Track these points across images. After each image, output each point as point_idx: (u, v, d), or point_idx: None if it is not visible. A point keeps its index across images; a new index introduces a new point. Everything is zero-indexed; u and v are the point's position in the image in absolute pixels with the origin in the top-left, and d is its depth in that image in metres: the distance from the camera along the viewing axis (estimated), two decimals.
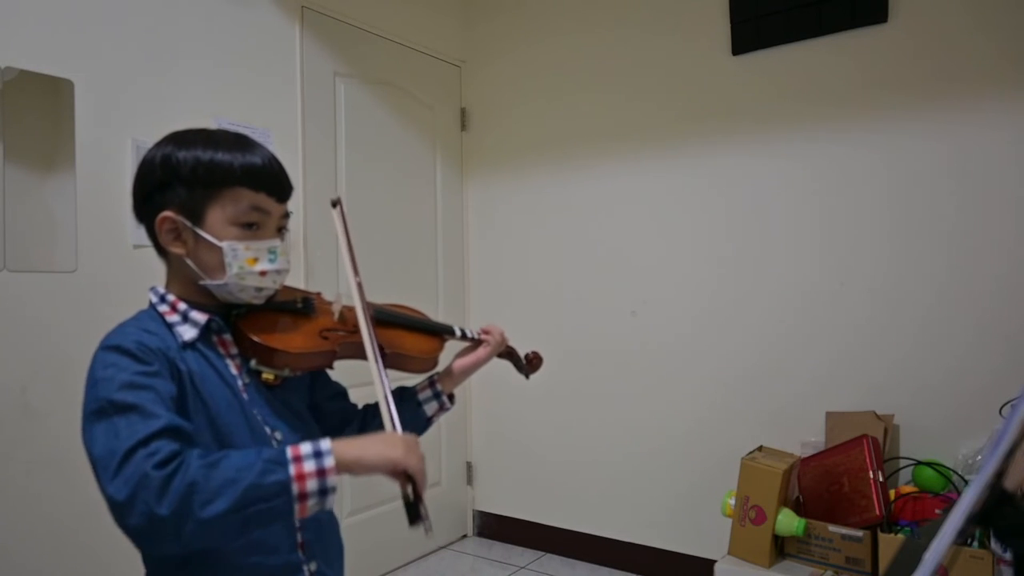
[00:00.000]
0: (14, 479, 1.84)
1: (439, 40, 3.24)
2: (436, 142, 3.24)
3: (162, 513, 0.76)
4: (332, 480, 0.82)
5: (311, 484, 0.81)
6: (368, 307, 1.07)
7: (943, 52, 2.25)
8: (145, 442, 0.80)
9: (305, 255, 2.59)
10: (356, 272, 1.10)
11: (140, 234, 2.09)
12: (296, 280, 2.38)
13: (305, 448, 0.83)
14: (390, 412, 0.98)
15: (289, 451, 0.82)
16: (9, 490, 1.83)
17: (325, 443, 0.84)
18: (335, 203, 1.15)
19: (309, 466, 0.81)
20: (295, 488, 0.80)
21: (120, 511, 0.78)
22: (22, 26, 1.88)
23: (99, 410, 0.85)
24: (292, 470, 0.81)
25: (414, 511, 0.87)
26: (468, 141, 3.37)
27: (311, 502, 0.81)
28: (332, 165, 2.75)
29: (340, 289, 2.67)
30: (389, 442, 0.89)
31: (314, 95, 2.67)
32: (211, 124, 2.26)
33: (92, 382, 0.89)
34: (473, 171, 3.35)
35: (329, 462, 0.82)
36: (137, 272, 2.07)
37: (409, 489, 0.87)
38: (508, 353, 1.30)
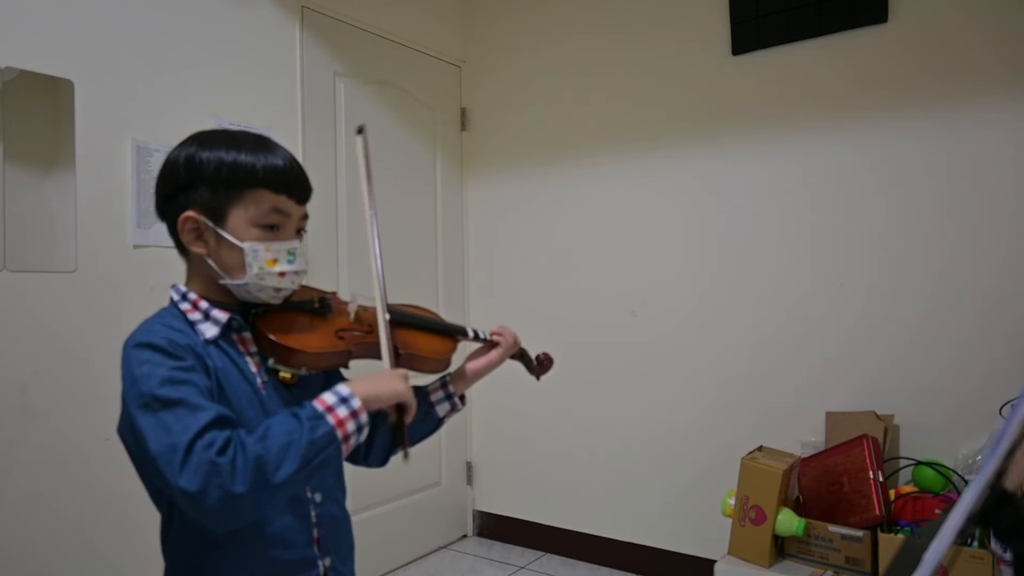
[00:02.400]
0: (14, 478, 1.84)
1: (439, 40, 3.24)
2: (436, 142, 3.24)
3: (240, 490, 0.82)
4: (364, 417, 0.93)
5: (350, 425, 0.91)
6: (379, 244, 1.13)
7: (943, 52, 2.25)
8: (200, 434, 0.84)
9: (307, 253, 2.59)
10: (372, 204, 1.14)
11: (140, 234, 2.12)
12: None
13: (330, 398, 0.92)
14: (388, 348, 1.06)
15: (319, 405, 0.91)
16: (10, 489, 1.83)
17: (344, 388, 0.93)
18: (360, 130, 1.19)
19: (343, 411, 0.91)
20: (339, 433, 0.90)
21: (195, 500, 0.82)
22: (22, 26, 1.88)
23: (144, 405, 0.88)
24: (331, 419, 0.90)
25: (400, 436, 1.00)
26: (468, 141, 3.37)
27: (352, 440, 0.92)
28: (332, 165, 2.75)
29: (347, 289, 2.67)
30: (393, 378, 0.99)
31: (314, 95, 2.67)
32: (211, 124, 2.26)
33: (131, 379, 0.91)
34: (473, 171, 3.35)
35: (356, 403, 0.93)
36: (137, 272, 2.08)
37: (397, 417, 1.00)
38: (520, 354, 1.30)
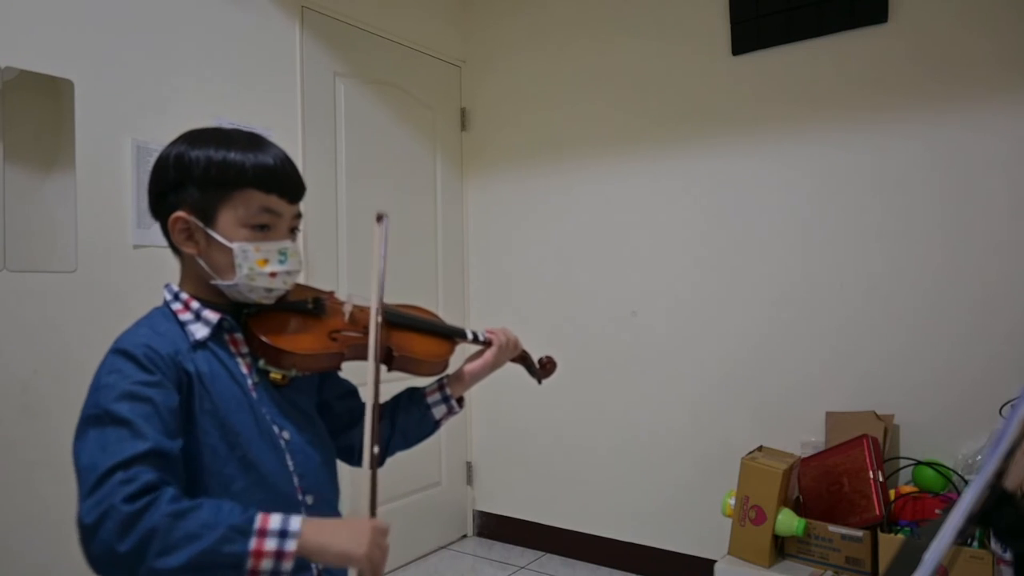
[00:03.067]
0: (14, 479, 1.84)
1: (439, 40, 3.24)
2: (436, 142, 3.24)
3: (120, 549, 0.78)
4: (287, 565, 0.81)
5: (265, 563, 0.81)
6: (379, 339, 1.04)
7: (943, 53, 2.25)
8: (126, 465, 0.81)
9: (305, 254, 2.59)
10: (381, 296, 1.06)
11: (140, 234, 2.12)
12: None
13: (274, 523, 0.82)
14: (372, 448, 0.97)
15: (258, 521, 0.82)
16: (10, 490, 1.83)
17: (295, 523, 0.83)
18: (380, 218, 1.10)
19: (270, 545, 0.81)
20: (249, 563, 0.80)
21: (85, 534, 0.80)
22: (22, 26, 1.88)
23: (94, 416, 0.87)
24: (252, 544, 0.81)
25: None
26: (468, 141, 3.37)
27: None
28: (332, 165, 2.75)
29: (346, 289, 2.67)
30: (358, 534, 0.86)
31: (314, 95, 2.67)
32: (211, 124, 2.25)
33: (95, 386, 0.91)
34: (473, 171, 3.35)
35: (290, 546, 0.82)
36: (137, 272, 2.08)
37: None
38: (522, 358, 1.29)
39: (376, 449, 0.99)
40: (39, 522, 1.87)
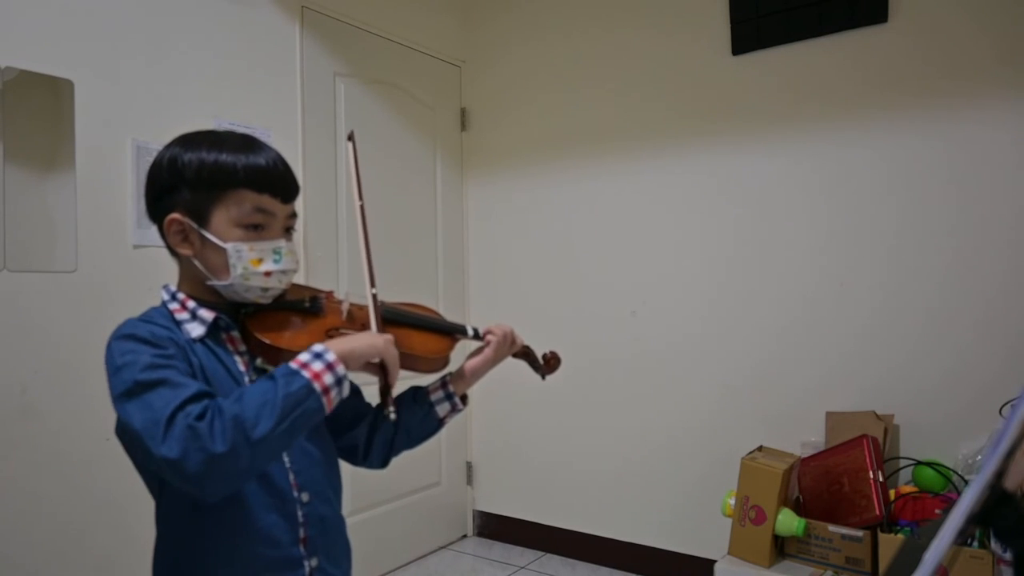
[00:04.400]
0: (14, 479, 1.84)
1: (439, 40, 3.24)
2: (436, 142, 3.24)
3: (220, 451, 0.82)
4: (341, 369, 0.92)
5: (327, 378, 0.90)
6: (365, 229, 1.14)
7: (943, 52, 2.25)
8: (181, 406, 0.85)
9: (305, 254, 2.59)
10: (360, 196, 1.17)
11: (140, 234, 2.12)
12: (295, 279, 2.38)
13: (304, 356, 0.92)
14: (375, 312, 1.07)
15: (293, 363, 0.91)
16: (9, 490, 1.83)
17: (318, 345, 0.93)
18: (350, 137, 1.23)
19: (318, 365, 0.91)
20: (317, 385, 0.89)
21: (177, 466, 0.82)
22: (22, 26, 1.88)
23: (128, 391, 0.88)
24: (307, 373, 0.90)
25: (386, 396, 1.00)
26: (468, 141, 3.37)
27: (333, 393, 0.91)
28: (332, 165, 2.75)
29: (346, 289, 2.67)
30: (371, 336, 1.00)
31: (314, 95, 2.67)
32: (211, 124, 2.26)
33: (114, 368, 0.91)
34: (473, 171, 3.35)
35: (331, 356, 0.92)
36: (137, 272, 2.08)
37: (385, 380, 1.00)
38: (524, 353, 1.28)
39: (375, 291, 1.10)
40: (39, 522, 1.88)
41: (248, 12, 2.45)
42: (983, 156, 2.20)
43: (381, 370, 1.00)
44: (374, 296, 1.09)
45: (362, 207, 1.16)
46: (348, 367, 0.94)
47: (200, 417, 0.84)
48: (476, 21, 3.33)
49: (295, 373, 0.89)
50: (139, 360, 0.90)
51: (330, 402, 0.91)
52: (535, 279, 3.14)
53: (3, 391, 1.83)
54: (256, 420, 0.84)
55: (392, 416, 1.00)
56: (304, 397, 0.88)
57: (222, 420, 0.84)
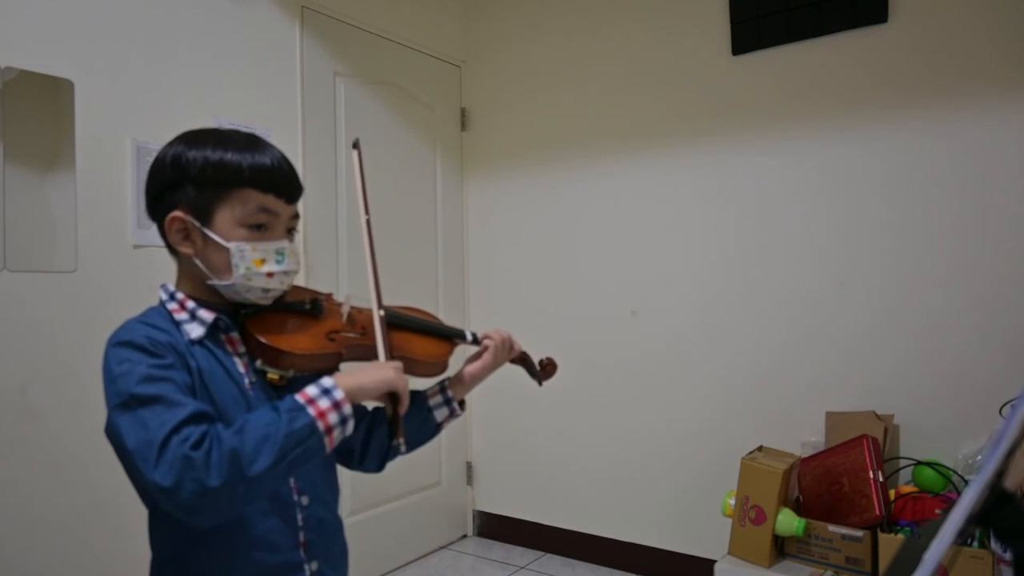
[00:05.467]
0: (14, 479, 1.84)
1: (439, 40, 3.24)
2: (436, 142, 3.24)
3: (214, 484, 0.81)
4: (347, 408, 0.91)
5: (332, 417, 0.89)
6: (372, 247, 1.13)
7: (943, 52, 2.25)
8: (177, 429, 0.83)
9: (305, 255, 2.59)
10: (367, 210, 1.16)
11: (140, 234, 2.11)
12: (296, 279, 2.38)
13: (312, 390, 0.90)
14: (383, 341, 1.06)
15: (300, 397, 0.89)
16: (9, 490, 1.83)
17: (327, 380, 0.92)
18: (355, 144, 1.21)
19: (324, 403, 0.89)
20: (320, 425, 0.88)
21: (169, 494, 0.81)
22: (22, 26, 1.88)
23: (123, 404, 0.87)
24: (312, 411, 0.88)
25: (394, 427, 0.99)
26: (468, 141, 3.37)
27: (336, 433, 0.90)
28: (332, 165, 2.75)
29: (346, 290, 2.67)
30: (381, 367, 0.99)
31: (314, 95, 2.67)
32: (211, 124, 2.25)
33: (110, 378, 0.90)
34: (473, 171, 3.35)
35: (339, 394, 0.91)
36: (137, 272, 2.08)
37: (391, 409, 0.99)
38: (521, 359, 1.29)
39: (383, 312, 1.09)
40: (39, 522, 1.88)
41: (248, 12, 2.45)
42: (983, 156, 2.20)
43: (390, 399, 0.98)
44: (382, 318, 1.08)
45: (368, 222, 1.14)
46: (357, 402, 0.93)
47: (197, 445, 0.82)
48: (476, 21, 3.33)
49: (300, 409, 0.88)
50: (136, 371, 0.88)
51: (332, 442, 0.90)
52: (535, 278, 3.14)
53: (3, 391, 1.83)
54: (254, 456, 0.83)
55: (403, 449, 0.99)
56: (306, 437, 0.87)
57: (220, 452, 0.82)
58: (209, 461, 0.81)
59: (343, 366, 1.10)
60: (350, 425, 0.92)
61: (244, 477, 0.82)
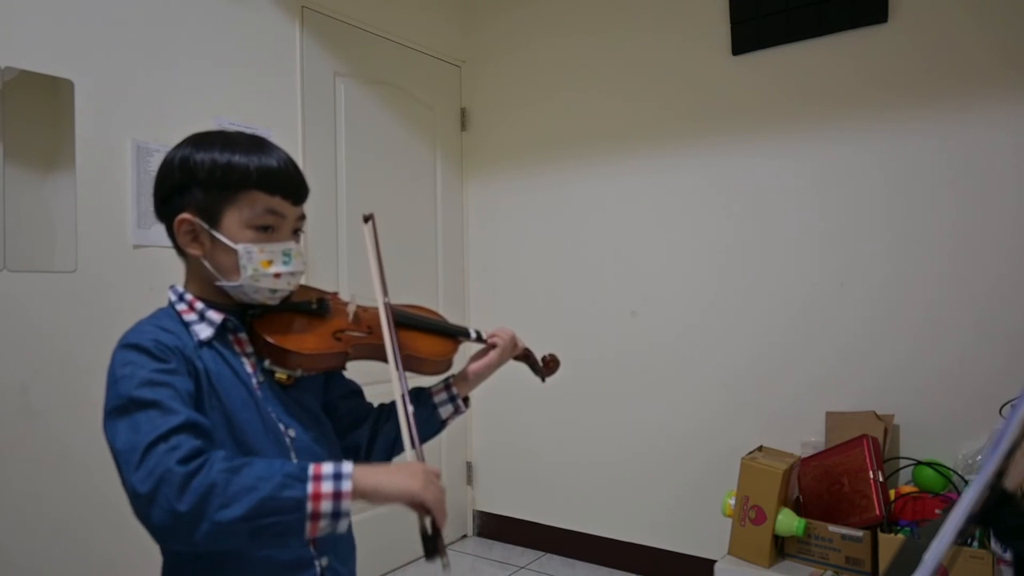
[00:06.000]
0: (14, 479, 1.84)
1: (439, 40, 3.24)
2: (436, 142, 3.24)
3: (181, 509, 0.78)
4: (347, 504, 0.83)
5: (325, 505, 0.82)
6: (393, 329, 1.07)
7: (943, 52, 2.25)
8: (166, 436, 0.82)
9: (306, 254, 2.59)
10: (385, 292, 1.12)
11: (140, 234, 2.12)
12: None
13: (327, 468, 0.84)
14: (411, 433, 0.99)
15: (311, 469, 0.83)
16: (9, 490, 1.83)
17: (347, 466, 0.85)
18: (367, 218, 1.16)
19: (327, 487, 0.83)
20: (309, 507, 0.81)
21: (142, 504, 0.80)
22: (22, 26, 1.88)
23: (120, 407, 0.87)
24: (310, 488, 0.82)
25: (431, 545, 0.88)
26: (468, 141, 3.37)
27: (323, 523, 0.82)
28: (332, 165, 2.75)
29: (346, 289, 2.67)
30: (410, 473, 0.88)
31: (314, 95, 2.67)
32: (211, 124, 2.26)
33: (112, 380, 0.91)
34: (473, 171, 3.35)
35: (347, 486, 0.83)
36: (137, 272, 2.08)
37: (428, 522, 0.88)
38: (524, 356, 1.30)
39: (412, 408, 1.02)
40: (39, 522, 1.88)
41: (248, 12, 2.45)
42: (983, 156, 2.20)
43: (423, 511, 0.88)
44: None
45: (387, 304, 1.11)
46: (366, 501, 0.86)
47: (187, 460, 0.80)
48: (476, 21, 3.33)
49: (301, 480, 0.82)
50: (137, 374, 0.89)
51: (315, 529, 0.82)
52: (535, 278, 3.14)
53: (3, 391, 1.83)
54: (228, 501, 0.79)
55: (448, 566, 0.89)
56: (287, 510, 0.80)
57: (202, 479, 0.79)
58: (188, 484, 0.79)
59: (349, 365, 1.11)
60: (343, 523, 0.84)
61: (208, 516, 0.78)
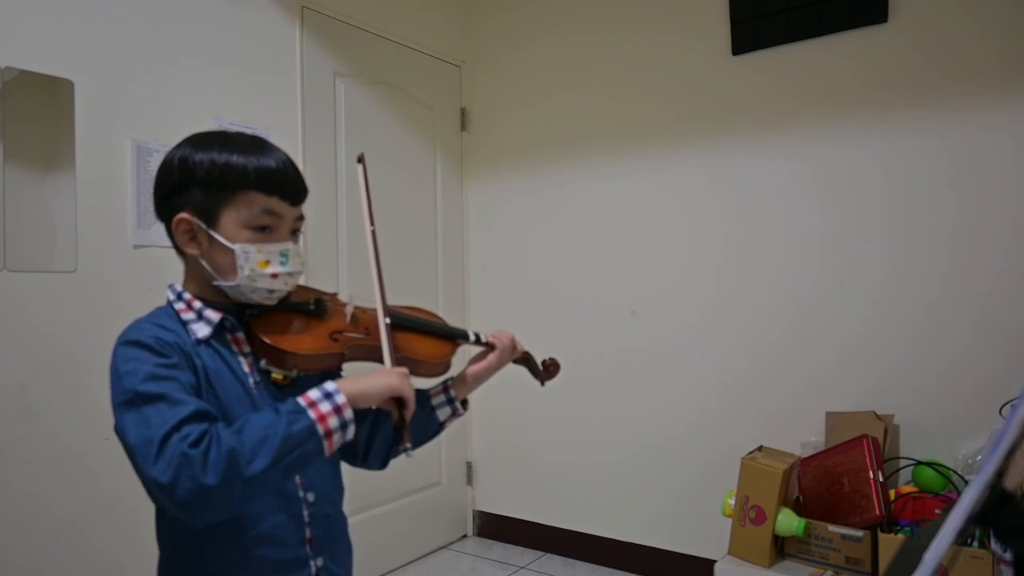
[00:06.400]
0: (14, 479, 1.84)
1: (439, 40, 3.24)
2: (436, 142, 3.24)
3: (210, 483, 0.81)
4: (348, 413, 0.91)
5: (333, 421, 0.90)
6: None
7: (943, 52, 2.25)
8: (177, 427, 0.84)
9: (305, 255, 2.59)
10: (372, 222, 1.16)
11: (140, 234, 2.12)
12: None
13: (314, 393, 0.91)
14: (389, 349, 1.06)
15: (302, 400, 0.90)
16: (10, 490, 1.83)
17: (330, 384, 0.93)
18: (360, 159, 1.21)
19: (325, 407, 0.90)
20: (320, 428, 0.89)
21: (166, 491, 0.82)
22: (22, 26, 1.88)
23: (127, 401, 0.89)
24: (312, 414, 0.89)
25: (402, 432, 0.98)
26: (468, 141, 3.37)
27: (336, 437, 0.90)
28: (332, 165, 2.75)
29: (346, 290, 2.67)
30: (386, 373, 0.99)
31: (314, 95, 2.67)
32: (211, 124, 2.26)
33: (116, 376, 0.92)
34: (473, 171, 3.35)
35: (341, 399, 0.91)
36: (137, 272, 2.08)
37: (399, 414, 0.99)
38: (524, 359, 1.29)
39: (388, 320, 1.09)
40: (40, 522, 1.88)
41: (248, 12, 2.45)
42: (983, 156, 2.20)
43: (396, 404, 0.99)
44: (388, 326, 1.09)
45: (374, 232, 1.15)
46: (359, 407, 0.93)
47: (196, 443, 0.83)
48: (476, 21, 3.33)
49: (301, 412, 0.89)
50: (141, 369, 0.90)
51: (331, 446, 0.90)
52: (535, 279, 3.14)
53: (3, 391, 1.83)
54: (252, 456, 0.84)
55: (410, 453, 0.99)
56: (305, 439, 0.87)
57: (218, 451, 0.83)
58: (207, 459, 0.82)
59: (347, 366, 1.11)
60: (351, 430, 0.92)
61: (241, 477, 0.83)
